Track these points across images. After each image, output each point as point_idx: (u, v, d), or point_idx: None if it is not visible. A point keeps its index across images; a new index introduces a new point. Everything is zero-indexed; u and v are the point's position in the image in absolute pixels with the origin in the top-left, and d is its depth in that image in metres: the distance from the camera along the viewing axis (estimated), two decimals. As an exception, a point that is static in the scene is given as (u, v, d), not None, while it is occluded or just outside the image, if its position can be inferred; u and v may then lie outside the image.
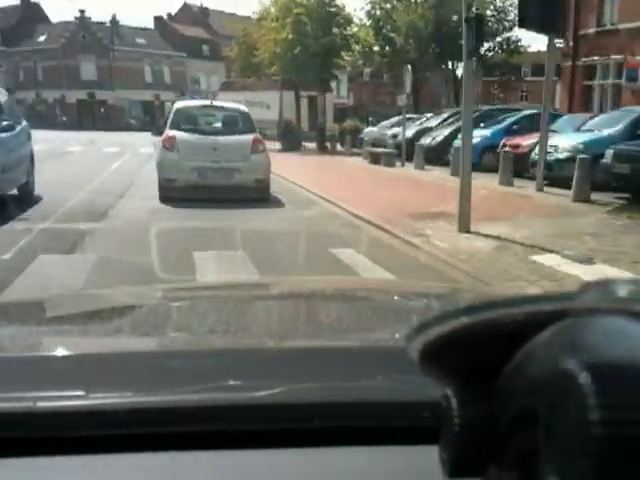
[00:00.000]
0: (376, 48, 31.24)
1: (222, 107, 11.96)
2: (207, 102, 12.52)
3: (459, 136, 18.39)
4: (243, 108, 12.00)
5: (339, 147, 26.20)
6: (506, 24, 31.16)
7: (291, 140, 26.70)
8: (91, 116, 56.91)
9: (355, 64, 34.66)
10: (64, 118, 55.44)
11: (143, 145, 27.12)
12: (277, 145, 27.26)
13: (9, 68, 59.20)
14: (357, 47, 28.13)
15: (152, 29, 63.80)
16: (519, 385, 0.43)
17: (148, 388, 0.81)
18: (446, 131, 19.36)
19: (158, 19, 65.12)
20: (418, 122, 23.02)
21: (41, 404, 0.75)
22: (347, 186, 12.77)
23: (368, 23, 30.76)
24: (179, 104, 11.88)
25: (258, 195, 10.17)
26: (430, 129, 20.88)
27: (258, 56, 28.25)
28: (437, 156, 18.26)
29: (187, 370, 0.89)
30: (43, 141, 26.91)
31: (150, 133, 34.86)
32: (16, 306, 1.58)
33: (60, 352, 1.04)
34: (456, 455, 0.48)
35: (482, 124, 18.04)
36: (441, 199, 10.21)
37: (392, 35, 30.76)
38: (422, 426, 0.66)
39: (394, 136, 21.84)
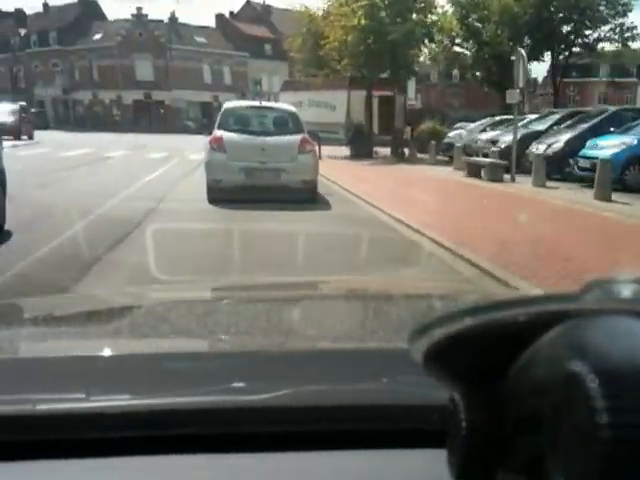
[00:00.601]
0: (457, 40, 26.49)
1: (270, 107, 11.93)
2: (255, 103, 12.43)
3: (589, 143, 14.35)
4: (291, 108, 11.72)
5: (416, 154, 22.01)
6: (620, 8, 26.17)
7: (362, 145, 22.79)
8: (147, 117, 54.32)
9: (426, 62, 30.10)
10: (119, 119, 53.05)
11: (194, 150, 24.15)
12: (345, 151, 23.21)
13: (65, 67, 57.31)
14: (441, 37, 23.58)
15: (213, 28, 60.92)
16: (525, 387, 0.43)
17: (150, 390, 0.80)
18: (565, 136, 15.13)
19: (220, 17, 62.20)
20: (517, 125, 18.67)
21: (41, 407, 0.74)
22: (468, 218, 8.60)
23: (451, 10, 26.05)
24: (228, 104, 11.66)
25: (305, 196, 9.88)
26: (540, 133, 16.39)
27: (325, 47, 23.97)
28: (556, 168, 14.00)
29: (189, 372, 0.88)
30: (84, 146, 23.97)
31: (203, 136, 32.05)
32: (16, 307, 1.56)
33: (60, 354, 1.02)
34: (464, 459, 0.47)
35: (611, 129, 13.95)
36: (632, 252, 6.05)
37: (477, 25, 25.98)
38: (428, 429, 0.66)
39: (493, 142, 17.52)
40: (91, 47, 55.55)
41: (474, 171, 15.29)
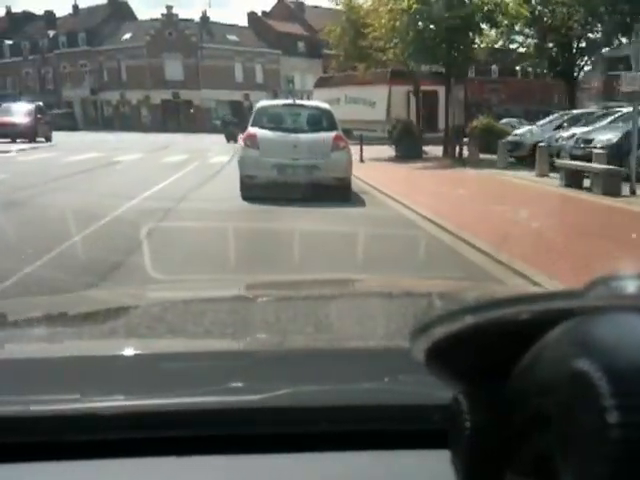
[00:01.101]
0: (517, 27, 23.15)
1: (304, 105, 11.92)
2: (289, 101, 12.28)
3: None
4: (325, 106, 11.82)
5: (478, 155, 18.89)
6: None
7: (410, 145, 19.97)
8: (176, 117, 52.41)
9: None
10: (147, 119, 51.30)
11: (219, 152, 22.21)
12: (387, 151, 20.61)
13: (93, 68, 55.81)
14: (505, 22, 19.95)
15: (245, 26, 58.78)
16: (530, 386, 0.42)
17: (146, 391, 0.79)
18: None
19: (252, 15, 60.06)
20: (587, 122, 15.88)
21: (34, 408, 0.73)
22: None
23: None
24: (261, 103, 11.85)
25: (339, 194, 9.75)
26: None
27: (368, 36, 21.15)
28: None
29: (186, 372, 0.88)
30: (99, 148, 22.18)
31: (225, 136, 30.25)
32: (10, 307, 1.54)
33: (55, 354, 1.01)
34: (469, 460, 0.46)
35: None
36: None
37: (542, 9, 22.68)
38: (431, 430, 0.65)
39: (586, 141, 13.79)
40: (120, 47, 53.91)
41: (574, 180, 11.97)
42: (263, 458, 0.70)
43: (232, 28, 57.04)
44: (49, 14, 60.52)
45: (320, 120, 10.82)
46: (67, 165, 15.71)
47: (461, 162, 18.09)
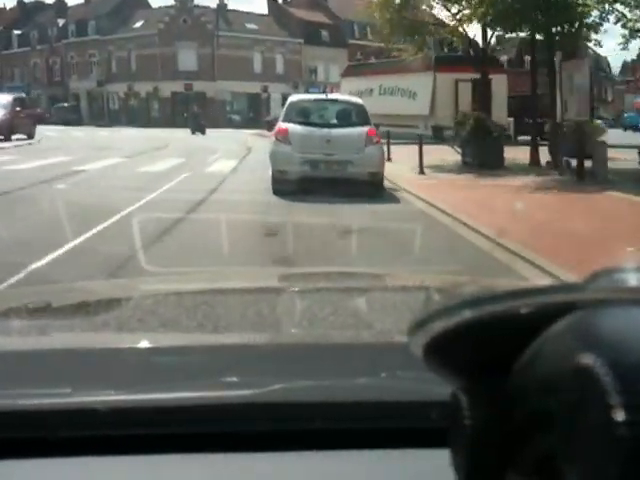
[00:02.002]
0: None
1: (336, 100, 11.68)
2: (321, 95, 12.40)
3: None
4: (358, 100, 11.80)
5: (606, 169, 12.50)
6: None
7: (485, 149, 14.23)
8: (187, 111, 48.51)
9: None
10: (156, 113, 47.58)
11: (226, 153, 18.69)
12: (442, 154, 15.94)
13: (102, 58, 52.20)
14: None
15: (265, 14, 54.82)
16: (532, 382, 0.41)
17: (138, 386, 0.78)
18: None
19: (272, 2, 56.04)
20: None
21: (23, 402, 0.72)
22: None
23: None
24: (293, 97, 11.61)
25: (371, 189, 9.66)
26: None
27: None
28: None
29: (179, 367, 0.87)
30: (84, 147, 18.62)
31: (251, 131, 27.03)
32: None
33: (45, 347, 0.99)
34: (470, 459, 0.45)
35: None
36: None
37: None
38: (429, 427, 0.64)
39: None
40: (131, 36, 50.22)
41: None
42: (256, 455, 0.69)
43: (251, 16, 53.10)
44: (60, 3, 57.15)
45: (352, 114, 10.62)
46: (8, 176, 11.65)
47: (577, 177, 12.07)
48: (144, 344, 1.02)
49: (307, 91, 56.06)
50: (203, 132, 33.25)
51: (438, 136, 24.96)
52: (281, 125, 10.29)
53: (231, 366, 0.85)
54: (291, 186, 9.37)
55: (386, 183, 10.87)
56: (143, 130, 35.49)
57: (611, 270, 0.39)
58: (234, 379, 0.81)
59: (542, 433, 0.40)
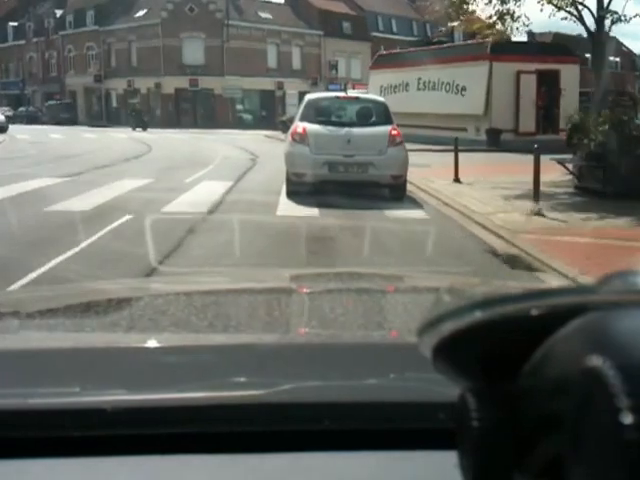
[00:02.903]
0: None
1: (357, 98, 10.85)
2: (340, 93, 12.24)
3: None
4: (379, 98, 11.50)
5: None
6: None
7: (633, 170, 8.73)
8: (192, 109, 43.55)
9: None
10: (158, 112, 42.75)
11: (219, 168, 14.12)
12: (524, 174, 10.75)
13: (100, 51, 47.28)
14: None
15: (281, 3, 49.62)
16: (541, 385, 0.40)
17: (147, 385, 0.79)
18: None
19: (289, -9, 50.86)
20: None
21: (32, 401, 0.72)
22: None
23: None
24: (310, 96, 10.83)
25: (393, 193, 9.37)
26: None
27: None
28: None
29: (188, 366, 0.86)
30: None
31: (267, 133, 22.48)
32: (9, 298, 1.55)
33: (54, 346, 0.99)
34: (478, 462, 0.45)
35: None
36: None
37: None
38: (437, 429, 0.64)
39: None
40: (132, 26, 45.09)
41: None
42: (265, 456, 0.69)
43: (265, 4, 47.61)
44: (60, -9, 52.38)
45: (374, 113, 9.93)
46: None
47: None
48: (153, 344, 1.01)
49: (327, 88, 50.95)
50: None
51: (493, 141, 19.69)
52: (298, 124, 9.62)
53: (240, 366, 0.85)
54: (308, 189, 8.94)
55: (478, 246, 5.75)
56: (134, 132, 30.68)
57: (623, 273, 0.39)
58: (243, 379, 0.81)
59: (550, 435, 0.39)
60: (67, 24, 49.59)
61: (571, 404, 0.35)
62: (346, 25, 49.13)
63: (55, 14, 50.78)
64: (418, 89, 22.23)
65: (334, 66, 47.35)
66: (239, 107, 43.84)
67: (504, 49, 18.93)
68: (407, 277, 2.24)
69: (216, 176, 11.94)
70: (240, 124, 40.23)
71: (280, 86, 44.80)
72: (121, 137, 26.94)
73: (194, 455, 0.68)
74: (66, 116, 42.75)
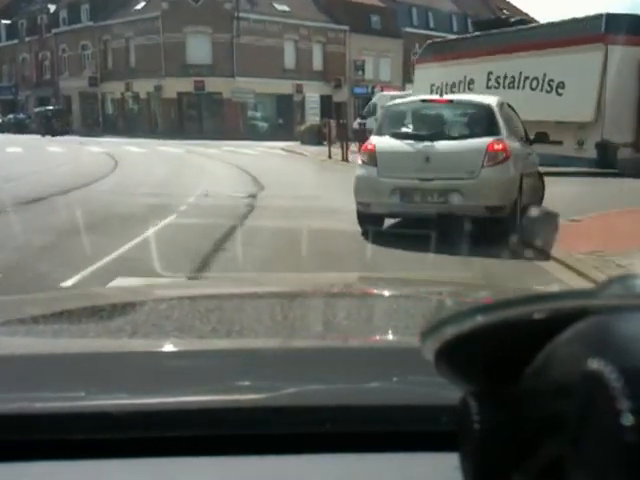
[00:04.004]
0: None
1: (450, 101, 7.92)
2: (429, 96, 10.18)
3: None
4: (485, 101, 7.66)
5: None
6: None
7: None
8: (197, 117, 37.83)
9: None
10: (158, 119, 37.19)
11: (168, 239, 6.36)
12: None
13: (96, 50, 41.83)
14: None
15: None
16: (542, 388, 0.41)
17: (151, 389, 0.80)
18: None
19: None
20: None
21: (37, 405, 0.73)
22: None
23: None
24: (390, 103, 8.58)
25: (493, 233, 6.51)
26: None
27: None
28: None
29: (192, 371, 0.87)
30: None
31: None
32: (13, 303, 1.53)
33: (59, 351, 1.01)
34: (478, 464, 0.45)
35: None
36: None
37: None
38: (439, 431, 0.65)
39: None
40: (130, 20, 39.43)
41: None
42: (268, 459, 0.69)
43: (283, -4, 41.91)
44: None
45: (472, 121, 7.41)
46: None
47: None
48: (157, 348, 1.03)
49: (352, 92, 46.08)
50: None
51: (607, 161, 13.66)
52: (371, 140, 7.46)
53: (244, 370, 0.86)
54: (376, 223, 7.03)
55: None
56: (124, 145, 24.97)
57: (625, 277, 0.39)
58: (247, 383, 0.83)
59: (551, 438, 0.40)
60: (61, 20, 44.36)
61: (573, 407, 0.36)
62: (375, 19, 43.04)
63: (49, 9, 45.61)
64: (488, 87, 16.14)
65: (360, 66, 41.41)
66: (251, 114, 37.88)
67: (629, 26, 12.88)
68: (410, 281, 2.31)
69: (147, 262, 5.41)
70: (253, 133, 34.55)
71: (299, 89, 38.84)
72: (94, 151, 21.31)
73: (197, 458, 0.68)
74: (55, 126, 37.24)
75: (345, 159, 17.93)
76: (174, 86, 36.49)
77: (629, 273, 0.39)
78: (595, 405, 0.34)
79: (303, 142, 26.97)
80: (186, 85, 36.42)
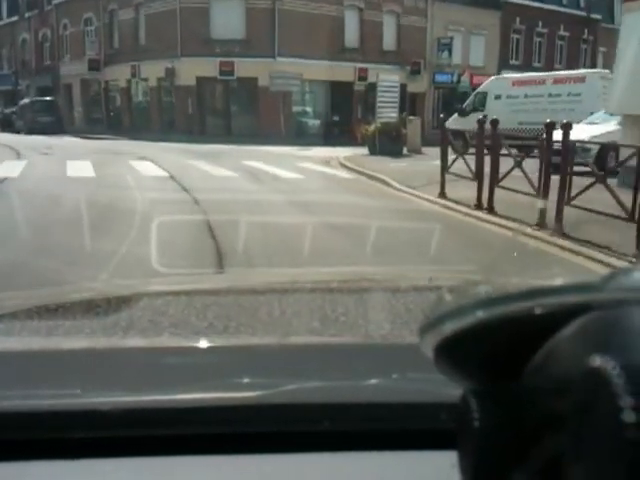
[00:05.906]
0: None
1: None
2: None
3: None
4: None
5: None
6: None
7: None
8: (223, 111, 28.09)
9: None
10: (172, 114, 27.90)
11: None
12: None
13: (100, 25, 32.62)
14: None
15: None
16: (543, 385, 0.41)
17: (147, 387, 0.80)
18: None
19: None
20: None
21: (32, 403, 0.73)
22: None
23: None
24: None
25: None
26: None
27: None
28: None
29: (188, 368, 0.87)
30: None
31: None
32: (8, 299, 1.51)
33: (54, 348, 1.00)
34: (477, 461, 0.45)
35: None
36: None
37: None
38: (439, 429, 0.65)
39: None
40: (142, -16, 30.21)
41: None
42: (266, 457, 0.70)
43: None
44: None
45: None
46: None
47: None
48: (154, 345, 1.03)
49: (432, 79, 35.76)
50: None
51: None
52: None
53: (241, 367, 0.86)
54: None
55: None
56: (131, 145, 15.71)
57: (628, 270, 0.39)
58: (244, 380, 0.83)
59: (552, 435, 0.39)
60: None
61: (573, 404, 0.35)
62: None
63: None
64: None
65: (446, 45, 31.26)
66: (297, 108, 27.97)
67: None
68: (410, 276, 2.26)
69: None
70: (299, 133, 25.22)
71: (363, 76, 28.69)
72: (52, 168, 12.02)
73: (195, 456, 0.69)
74: (46, 120, 28.69)
75: (487, 206, 8.21)
76: (193, 69, 26.49)
77: (632, 267, 0.38)
78: (597, 402, 0.33)
79: (372, 150, 17.21)
80: (209, 68, 26.45)
